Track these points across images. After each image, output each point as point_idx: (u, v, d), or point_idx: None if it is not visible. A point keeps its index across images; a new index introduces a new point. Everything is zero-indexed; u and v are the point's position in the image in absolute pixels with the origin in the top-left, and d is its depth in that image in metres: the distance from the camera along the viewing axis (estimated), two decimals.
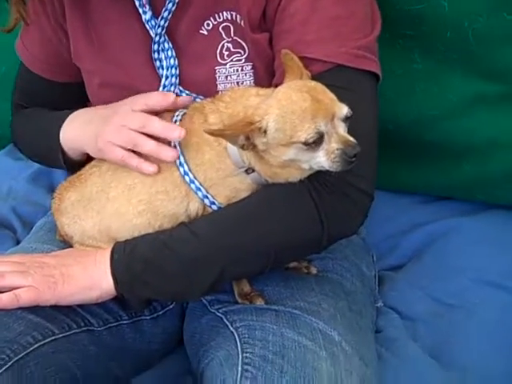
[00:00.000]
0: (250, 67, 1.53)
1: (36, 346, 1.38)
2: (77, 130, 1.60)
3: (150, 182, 1.47)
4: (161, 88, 1.56)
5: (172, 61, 1.56)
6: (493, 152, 1.94)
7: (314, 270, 1.62)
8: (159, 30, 1.54)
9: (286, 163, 1.35)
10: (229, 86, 1.52)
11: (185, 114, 1.48)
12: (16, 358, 1.34)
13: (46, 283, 1.41)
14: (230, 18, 1.52)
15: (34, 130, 1.78)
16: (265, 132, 1.31)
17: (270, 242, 1.41)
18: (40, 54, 1.76)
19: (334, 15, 1.43)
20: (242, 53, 1.53)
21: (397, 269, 2.00)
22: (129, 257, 1.43)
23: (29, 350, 1.36)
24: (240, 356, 1.36)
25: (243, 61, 1.53)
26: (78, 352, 1.45)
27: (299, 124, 1.28)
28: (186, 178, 1.43)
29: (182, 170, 1.43)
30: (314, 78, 1.38)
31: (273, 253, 1.42)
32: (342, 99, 1.31)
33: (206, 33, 1.54)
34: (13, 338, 1.36)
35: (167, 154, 1.43)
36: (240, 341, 1.40)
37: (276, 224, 1.42)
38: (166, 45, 1.55)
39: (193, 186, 1.43)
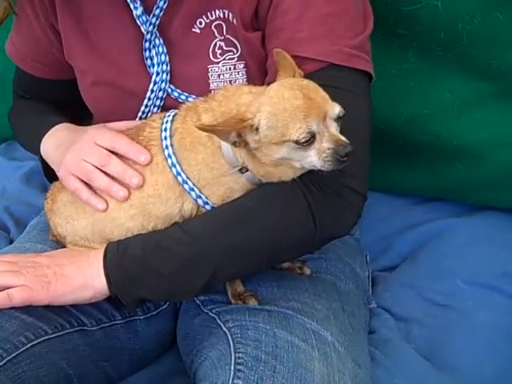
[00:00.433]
0: (242, 66, 1.53)
1: (29, 345, 1.38)
2: (49, 151, 1.64)
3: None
4: (151, 85, 1.56)
5: (163, 57, 1.56)
6: (487, 153, 1.94)
7: (307, 271, 1.62)
8: (150, 28, 1.54)
9: (279, 162, 1.34)
10: (221, 84, 1.53)
11: (176, 114, 1.48)
12: (9, 358, 1.34)
13: (39, 283, 1.41)
14: (222, 16, 1.52)
15: (24, 127, 1.81)
16: (257, 129, 1.31)
17: (263, 242, 1.41)
18: (30, 53, 1.76)
19: (326, 12, 1.43)
20: (235, 51, 1.53)
21: (390, 270, 2.01)
22: (122, 256, 1.42)
23: (21, 350, 1.37)
24: (233, 356, 1.35)
25: (236, 59, 1.53)
26: (71, 352, 1.45)
27: (291, 122, 1.28)
28: (179, 178, 1.43)
29: (174, 170, 1.43)
30: (306, 77, 1.37)
31: (266, 253, 1.42)
32: (334, 98, 1.31)
33: (198, 31, 1.54)
34: (5, 337, 1.36)
35: (118, 193, 1.46)
36: (233, 341, 1.40)
37: (269, 224, 1.41)
38: (157, 41, 1.55)
39: (186, 186, 1.43)
